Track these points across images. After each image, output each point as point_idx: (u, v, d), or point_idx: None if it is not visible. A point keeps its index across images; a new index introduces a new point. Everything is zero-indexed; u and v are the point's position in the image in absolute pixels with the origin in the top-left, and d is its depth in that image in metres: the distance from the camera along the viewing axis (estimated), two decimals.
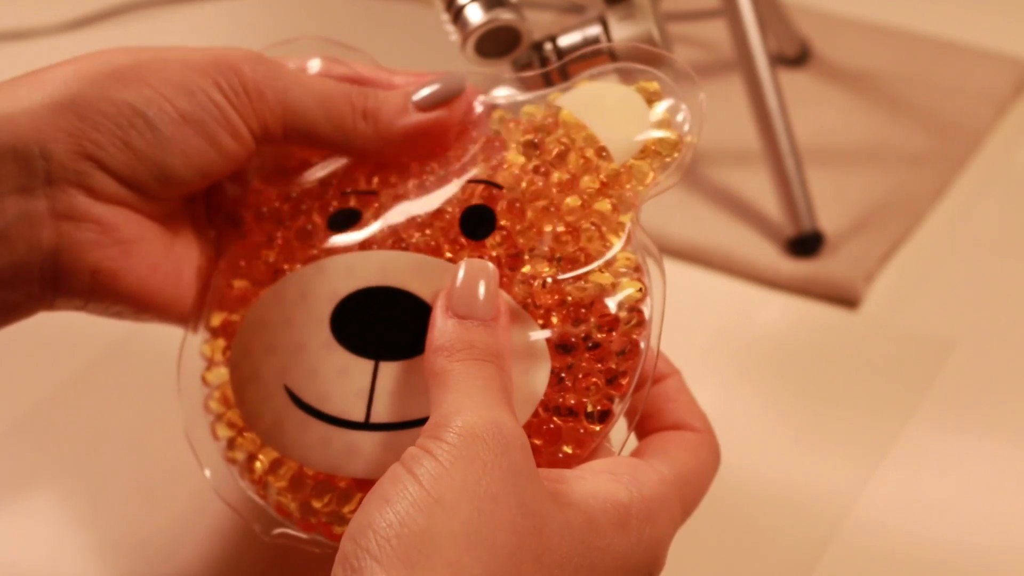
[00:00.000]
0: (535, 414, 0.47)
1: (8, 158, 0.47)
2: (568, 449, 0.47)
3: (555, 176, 0.49)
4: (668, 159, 0.50)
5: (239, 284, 0.52)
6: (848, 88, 0.86)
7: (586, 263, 0.48)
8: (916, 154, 0.80)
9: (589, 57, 0.55)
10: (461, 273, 0.47)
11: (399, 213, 0.50)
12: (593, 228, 0.49)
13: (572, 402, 0.47)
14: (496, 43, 0.55)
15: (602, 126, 0.50)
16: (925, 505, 0.59)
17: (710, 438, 0.51)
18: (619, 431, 0.49)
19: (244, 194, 0.53)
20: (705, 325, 0.70)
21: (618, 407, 0.48)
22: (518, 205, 0.49)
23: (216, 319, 0.52)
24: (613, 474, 0.46)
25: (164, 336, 0.54)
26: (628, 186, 0.49)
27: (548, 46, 0.57)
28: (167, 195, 0.50)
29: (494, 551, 0.41)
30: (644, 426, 0.51)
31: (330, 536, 0.49)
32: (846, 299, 0.71)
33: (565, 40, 0.58)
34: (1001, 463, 0.62)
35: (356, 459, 0.48)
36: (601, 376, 0.48)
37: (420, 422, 0.47)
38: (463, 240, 0.49)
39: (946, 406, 0.65)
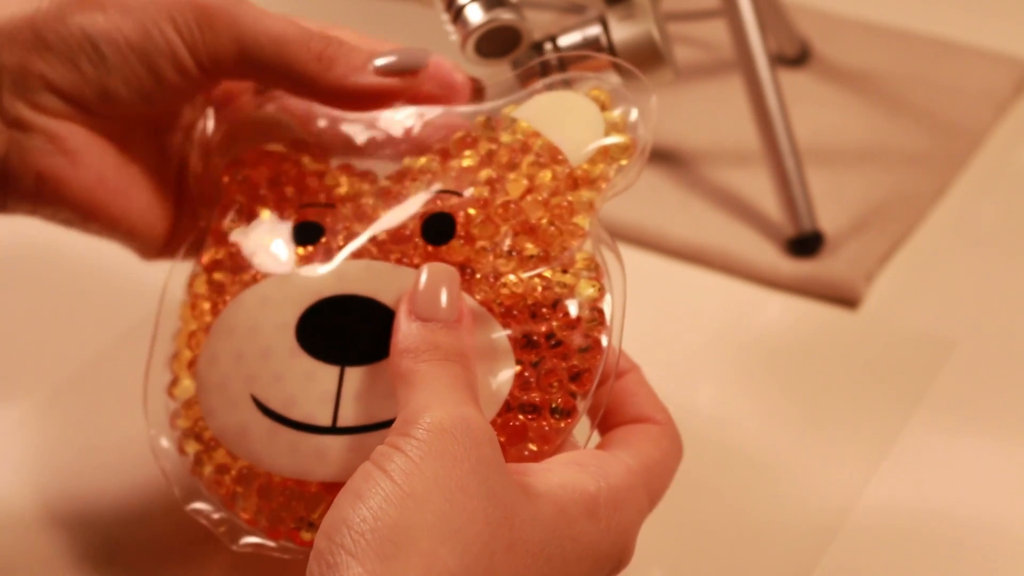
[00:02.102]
0: (500, 412, 0.48)
1: None
2: (533, 447, 0.48)
3: (512, 179, 0.50)
4: (623, 161, 0.51)
5: (204, 306, 0.52)
6: (848, 88, 0.86)
7: (545, 264, 0.49)
8: (916, 154, 0.80)
9: (585, 58, 0.56)
10: (423, 277, 0.48)
11: (360, 223, 0.51)
12: (552, 229, 0.50)
13: (536, 399, 0.48)
14: (496, 43, 0.55)
15: (558, 133, 0.51)
16: (925, 505, 0.59)
17: (671, 429, 0.52)
18: (582, 427, 0.50)
19: (216, 188, 0.54)
20: (705, 325, 0.70)
21: (581, 404, 0.49)
22: (476, 210, 0.50)
23: (183, 347, 0.53)
24: (580, 465, 0.47)
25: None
26: (585, 188, 0.51)
27: (548, 46, 0.57)
28: (112, 114, 0.52)
29: (467, 542, 0.41)
30: (607, 421, 0.52)
31: (299, 542, 0.49)
32: (846, 299, 0.71)
33: (565, 40, 0.58)
34: (1001, 463, 0.62)
35: (325, 463, 0.48)
36: (564, 373, 0.48)
37: (387, 424, 0.47)
38: (424, 246, 0.50)
39: (946, 406, 0.64)
